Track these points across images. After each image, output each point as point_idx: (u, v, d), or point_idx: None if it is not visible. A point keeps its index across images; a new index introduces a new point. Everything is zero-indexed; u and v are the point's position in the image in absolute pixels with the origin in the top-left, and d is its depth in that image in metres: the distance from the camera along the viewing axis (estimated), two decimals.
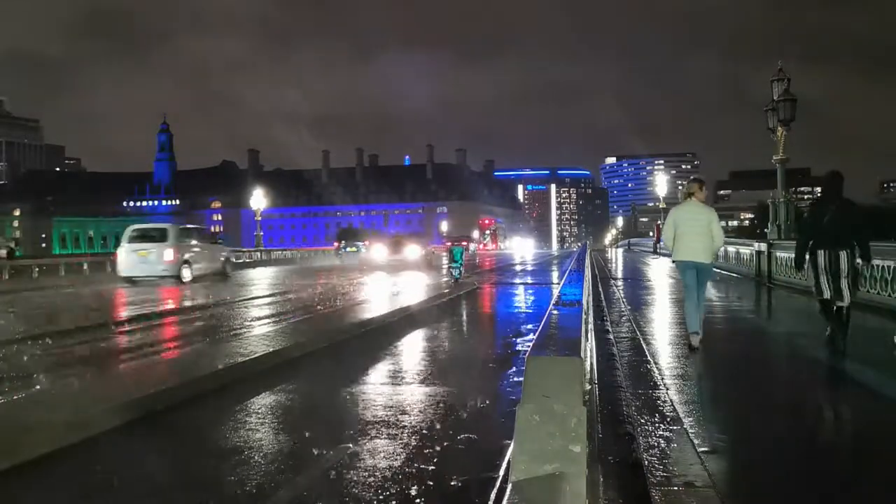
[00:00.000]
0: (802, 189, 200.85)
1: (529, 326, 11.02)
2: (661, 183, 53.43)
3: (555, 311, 4.31)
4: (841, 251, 7.19)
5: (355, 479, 4.42)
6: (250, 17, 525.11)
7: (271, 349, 8.09)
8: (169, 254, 20.45)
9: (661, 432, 4.42)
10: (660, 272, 21.16)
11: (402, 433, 5.38)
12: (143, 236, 21.22)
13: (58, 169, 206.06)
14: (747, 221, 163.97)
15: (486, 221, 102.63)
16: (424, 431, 5.44)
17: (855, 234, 7.27)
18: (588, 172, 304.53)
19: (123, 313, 13.60)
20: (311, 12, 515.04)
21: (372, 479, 4.40)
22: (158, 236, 21.14)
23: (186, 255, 21.10)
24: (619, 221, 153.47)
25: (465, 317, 13.97)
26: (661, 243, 11.49)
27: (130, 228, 21.75)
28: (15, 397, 5.83)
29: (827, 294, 7.28)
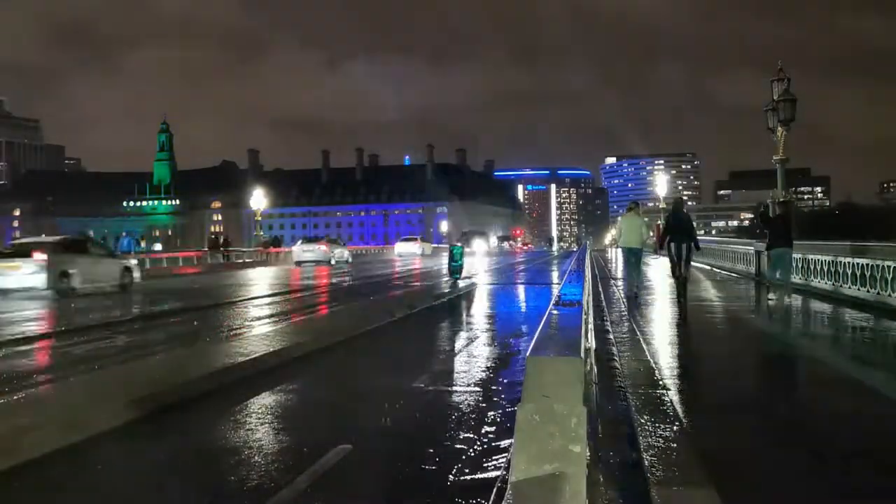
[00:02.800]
0: (802, 189, 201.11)
1: (529, 327, 11.02)
2: (661, 183, 53.40)
3: (555, 311, 4.30)
4: (684, 243, 11.66)
5: (355, 478, 4.42)
6: (217, 25, 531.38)
7: None
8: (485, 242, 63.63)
9: (661, 432, 4.42)
10: (660, 272, 21.17)
11: (402, 432, 5.38)
12: (474, 233, 65.32)
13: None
14: (747, 221, 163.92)
15: (518, 231, 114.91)
16: (424, 430, 5.44)
17: (691, 233, 11.84)
18: (588, 172, 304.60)
19: None
20: (282, 20, 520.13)
21: (371, 478, 4.40)
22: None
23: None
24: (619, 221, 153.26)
25: (464, 317, 13.98)
26: (657, 242, 15.73)
27: (464, 230, 74.19)
28: None
29: (677, 271, 11.70)
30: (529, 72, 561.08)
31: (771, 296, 12.27)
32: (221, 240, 43.15)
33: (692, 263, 12.28)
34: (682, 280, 11.64)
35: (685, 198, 17.57)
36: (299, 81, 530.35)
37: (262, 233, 48.42)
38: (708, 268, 24.54)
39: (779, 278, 12.08)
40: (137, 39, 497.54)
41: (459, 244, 23.70)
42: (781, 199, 14.12)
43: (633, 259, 14.30)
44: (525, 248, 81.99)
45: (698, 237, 12.08)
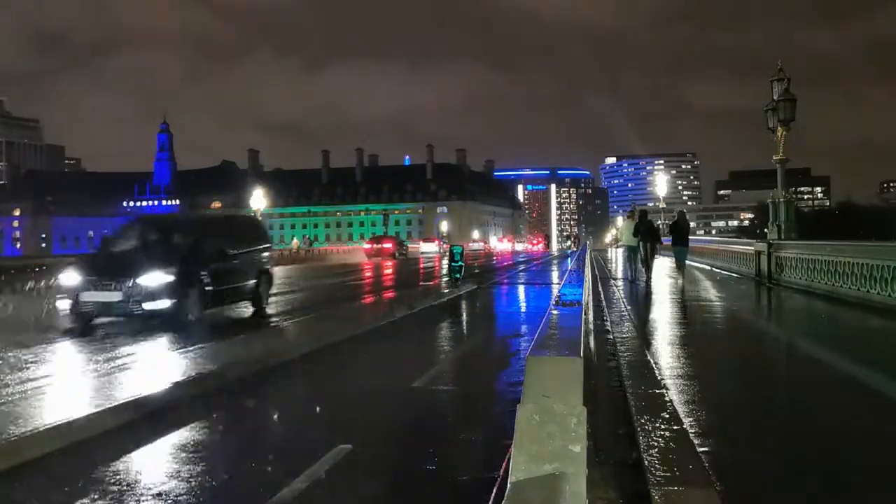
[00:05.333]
0: (802, 189, 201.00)
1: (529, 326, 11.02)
2: (660, 183, 53.39)
3: (555, 311, 4.30)
4: (648, 242, 17.24)
5: (355, 478, 4.42)
6: (191, 33, 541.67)
7: None
8: None
9: (661, 432, 4.42)
10: (660, 272, 21.20)
11: (402, 432, 5.38)
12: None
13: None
14: (747, 221, 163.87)
15: (540, 238, 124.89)
16: (424, 430, 5.44)
17: (656, 235, 17.80)
18: (588, 172, 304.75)
19: None
20: (256, 27, 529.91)
21: (371, 478, 4.40)
22: None
23: None
24: (619, 221, 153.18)
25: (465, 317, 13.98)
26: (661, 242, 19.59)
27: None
28: None
29: (647, 260, 17.25)
30: (507, 78, 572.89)
31: (679, 280, 17.27)
32: None
33: (693, 263, 15.74)
34: (649, 266, 17.39)
35: (685, 198, 19.55)
36: (278, 86, 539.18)
37: None
38: (708, 268, 24.53)
39: (679, 265, 17.71)
40: (112, 47, 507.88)
41: (460, 245, 23.66)
42: (679, 210, 19.75)
43: (631, 254, 18.34)
44: (544, 248, 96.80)
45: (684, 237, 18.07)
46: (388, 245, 51.07)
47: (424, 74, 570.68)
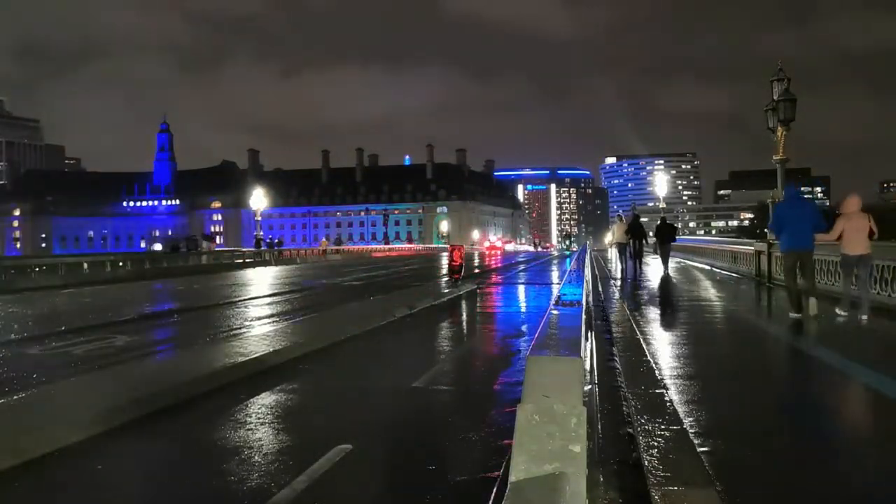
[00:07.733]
0: (802, 189, 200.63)
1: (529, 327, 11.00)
2: (660, 183, 53.25)
3: (555, 311, 4.30)
4: (639, 239, 21.18)
5: (354, 478, 4.42)
6: (170, 39, 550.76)
7: None
8: None
9: (661, 432, 4.42)
10: (659, 272, 21.20)
11: (402, 432, 5.38)
12: None
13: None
14: (747, 221, 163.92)
15: (548, 244, 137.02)
16: (423, 430, 5.44)
17: (644, 235, 21.69)
18: (588, 172, 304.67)
19: None
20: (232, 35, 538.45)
21: (371, 478, 4.40)
22: None
23: None
24: (613, 227, 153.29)
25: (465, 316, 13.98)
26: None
27: None
28: None
29: (637, 254, 21.17)
30: (480, 81, 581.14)
31: (664, 273, 20.47)
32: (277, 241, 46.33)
33: (693, 263, 16.78)
34: (639, 260, 21.07)
35: (685, 198, 20.50)
36: (259, 91, 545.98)
37: (261, 233, 48.33)
38: (708, 268, 24.53)
39: (664, 262, 21.19)
40: (103, 51, 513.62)
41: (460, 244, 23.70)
42: (662, 216, 24.31)
43: (621, 251, 21.81)
44: (548, 247, 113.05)
45: (679, 236, 22.32)
46: (499, 244, 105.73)
47: (400, 77, 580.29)
